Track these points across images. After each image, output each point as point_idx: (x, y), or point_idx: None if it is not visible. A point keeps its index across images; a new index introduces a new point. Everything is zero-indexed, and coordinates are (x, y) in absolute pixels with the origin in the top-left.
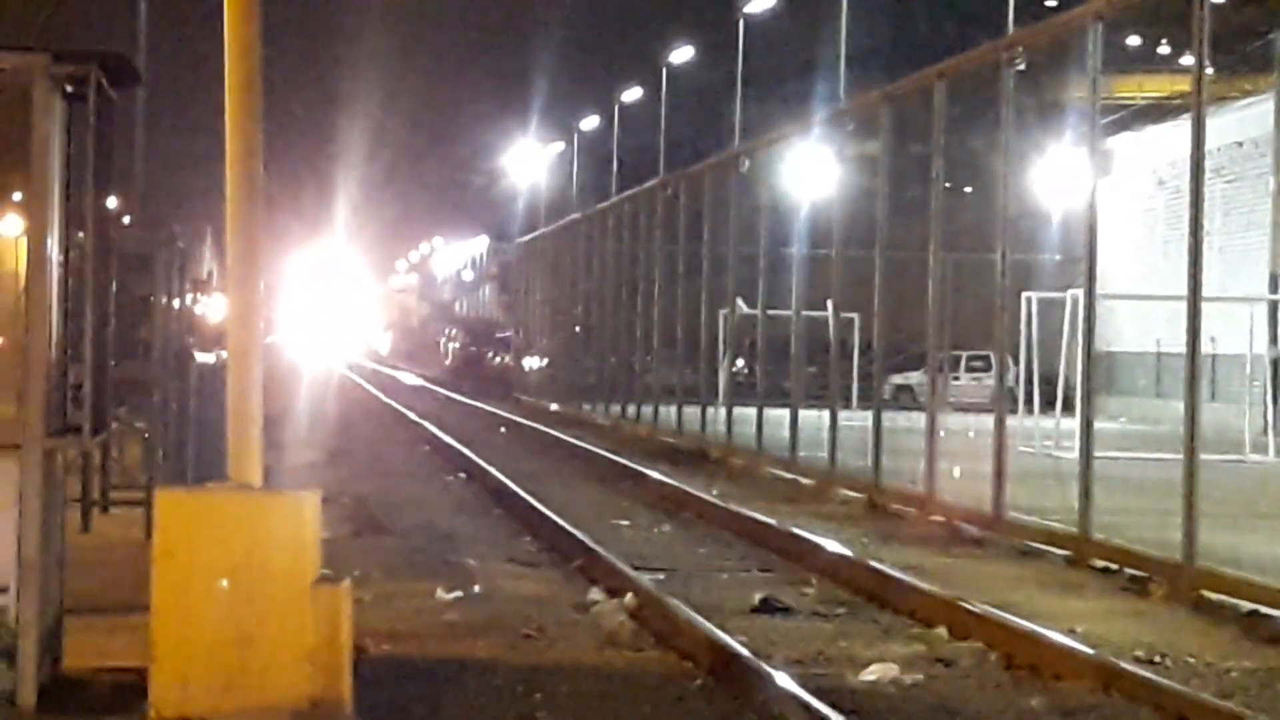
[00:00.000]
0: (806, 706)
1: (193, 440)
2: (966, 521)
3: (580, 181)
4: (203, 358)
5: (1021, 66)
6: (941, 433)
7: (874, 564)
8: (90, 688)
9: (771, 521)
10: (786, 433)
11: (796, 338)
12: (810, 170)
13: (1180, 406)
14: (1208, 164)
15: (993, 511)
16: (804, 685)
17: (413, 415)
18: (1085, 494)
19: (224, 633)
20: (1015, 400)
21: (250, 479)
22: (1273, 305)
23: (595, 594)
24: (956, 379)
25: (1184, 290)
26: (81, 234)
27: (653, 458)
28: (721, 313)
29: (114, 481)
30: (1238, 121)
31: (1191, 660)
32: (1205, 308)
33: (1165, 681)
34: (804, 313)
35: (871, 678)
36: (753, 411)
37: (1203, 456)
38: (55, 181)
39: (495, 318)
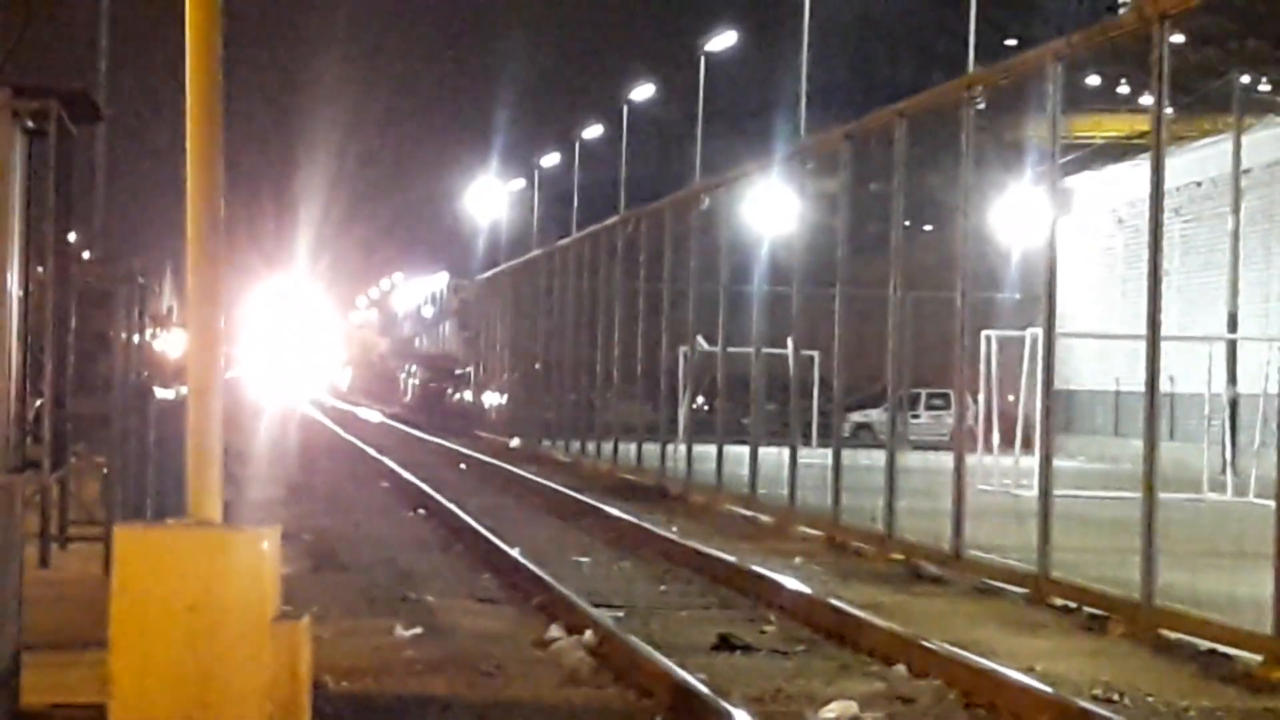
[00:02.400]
0: None
1: (152, 476)
2: (926, 559)
3: (541, 218)
4: (162, 393)
5: (981, 105)
6: (910, 470)
7: (834, 601)
8: None
9: (731, 559)
10: (746, 470)
11: (756, 375)
12: (771, 208)
13: (1139, 445)
14: (1167, 204)
15: (952, 549)
16: None
17: (372, 451)
18: (1044, 532)
19: (183, 669)
20: (975, 438)
21: (210, 515)
22: (1231, 345)
23: (555, 631)
24: (916, 417)
25: (1143, 329)
26: (41, 269)
27: (612, 494)
28: (681, 350)
29: (72, 517)
30: (1197, 161)
31: (1150, 699)
32: (1164, 347)
33: None
34: (764, 350)
35: (831, 715)
36: (712, 449)
37: (1161, 495)
38: (15, 216)
39: (455, 354)
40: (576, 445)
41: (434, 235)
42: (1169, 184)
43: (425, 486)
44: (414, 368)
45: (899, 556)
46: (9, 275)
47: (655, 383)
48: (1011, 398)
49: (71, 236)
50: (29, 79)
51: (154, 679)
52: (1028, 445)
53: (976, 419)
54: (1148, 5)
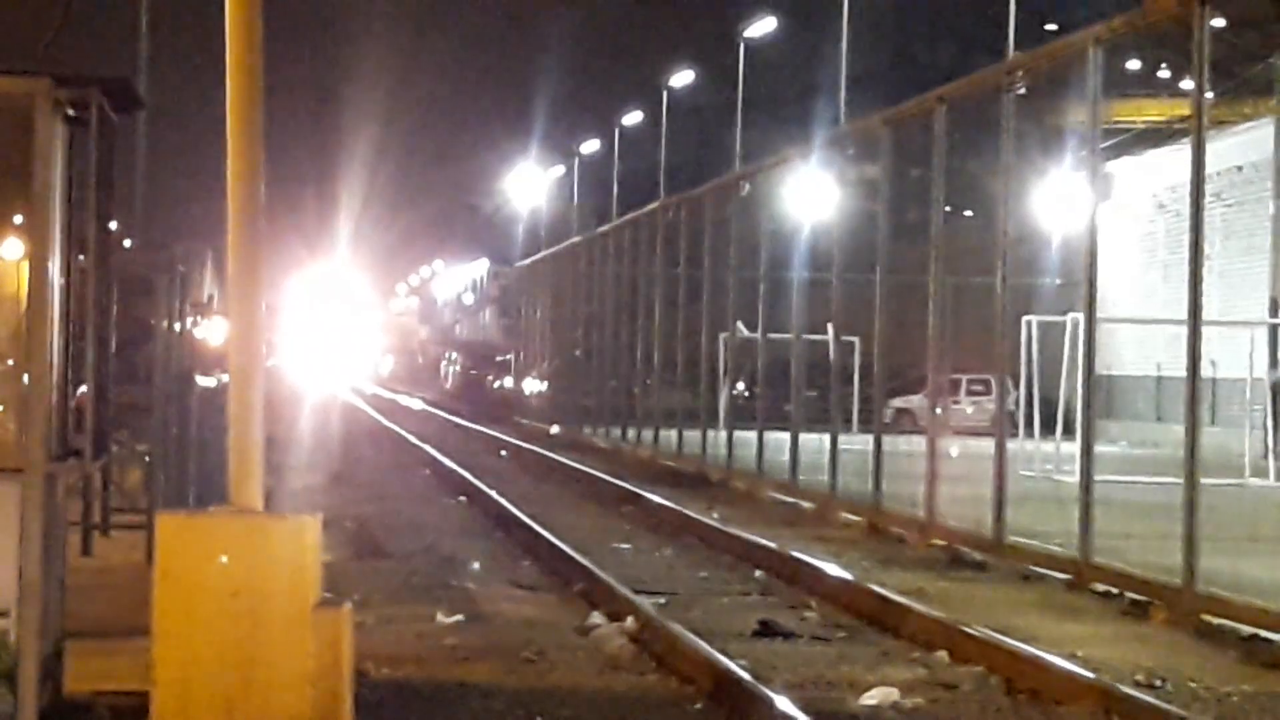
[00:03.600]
0: None
1: (194, 463)
2: (967, 545)
3: (581, 205)
4: (203, 381)
5: (1022, 90)
6: (948, 455)
7: (875, 587)
8: (91, 711)
9: (772, 545)
10: (787, 456)
11: (797, 361)
12: (810, 194)
13: (1180, 430)
14: (1208, 188)
15: (993, 535)
16: (804, 709)
17: (413, 438)
18: (1086, 518)
19: (225, 656)
20: (1016, 424)
21: (251, 502)
22: (1273, 329)
23: (596, 618)
24: (957, 403)
25: (1184, 314)
26: (83, 257)
27: (653, 481)
28: (722, 336)
29: (115, 505)
30: (1238, 146)
31: (1192, 684)
32: (1205, 331)
33: (1166, 706)
34: (804, 336)
35: (872, 701)
36: (753, 435)
37: (1203, 480)
38: (57, 205)
39: (495, 341)
40: (617, 432)
41: (474, 222)
42: (1210, 169)
43: (466, 473)
44: (454, 355)
45: (940, 542)
46: (51, 264)
47: (696, 369)
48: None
49: (113, 225)
50: (70, 68)
51: (197, 666)
52: (1069, 430)
53: (1017, 404)
54: None
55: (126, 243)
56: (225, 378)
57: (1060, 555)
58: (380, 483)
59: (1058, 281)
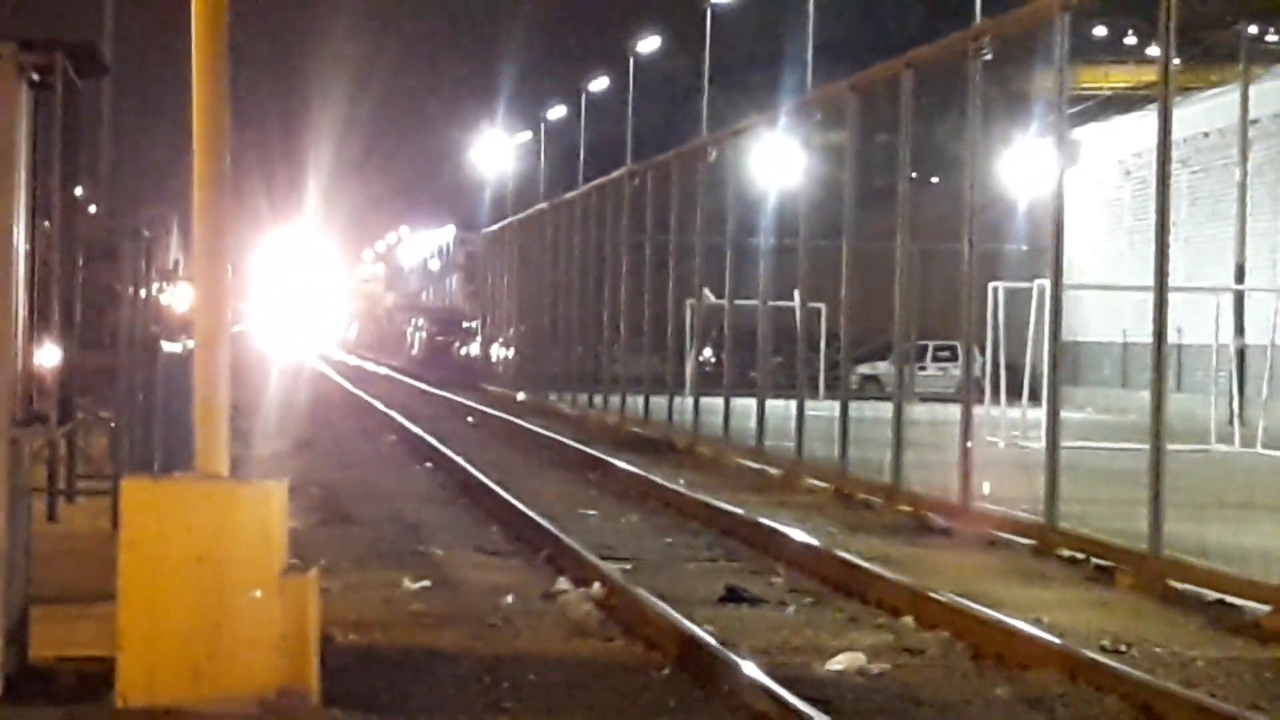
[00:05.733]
0: (773, 695)
1: (159, 430)
2: (933, 511)
3: (547, 171)
4: (169, 347)
5: (988, 56)
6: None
7: (841, 554)
8: (57, 677)
9: (739, 511)
10: (753, 423)
11: (763, 327)
12: (777, 160)
13: (1146, 396)
14: (1174, 155)
15: (959, 501)
16: (771, 674)
17: (379, 405)
18: (1052, 484)
19: (191, 621)
20: (982, 390)
21: (217, 468)
22: (1238, 296)
23: (562, 583)
24: (923, 369)
25: (1150, 280)
26: (48, 223)
27: (620, 447)
28: (688, 303)
29: (80, 471)
30: (1204, 112)
31: (1157, 650)
32: (1171, 298)
33: (1131, 671)
34: (771, 303)
35: (839, 667)
36: (719, 401)
37: (1169, 446)
38: (21, 170)
39: (462, 308)
40: (583, 398)
41: (440, 188)
42: (1176, 135)
43: (432, 440)
44: (420, 321)
45: (906, 508)
46: (16, 229)
47: (662, 336)
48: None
49: (78, 190)
50: (34, 32)
51: (162, 632)
52: (1035, 397)
53: (984, 371)
54: None
55: (92, 208)
56: (191, 344)
57: (1026, 521)
58: (347, 449)
59: (1024, 248)
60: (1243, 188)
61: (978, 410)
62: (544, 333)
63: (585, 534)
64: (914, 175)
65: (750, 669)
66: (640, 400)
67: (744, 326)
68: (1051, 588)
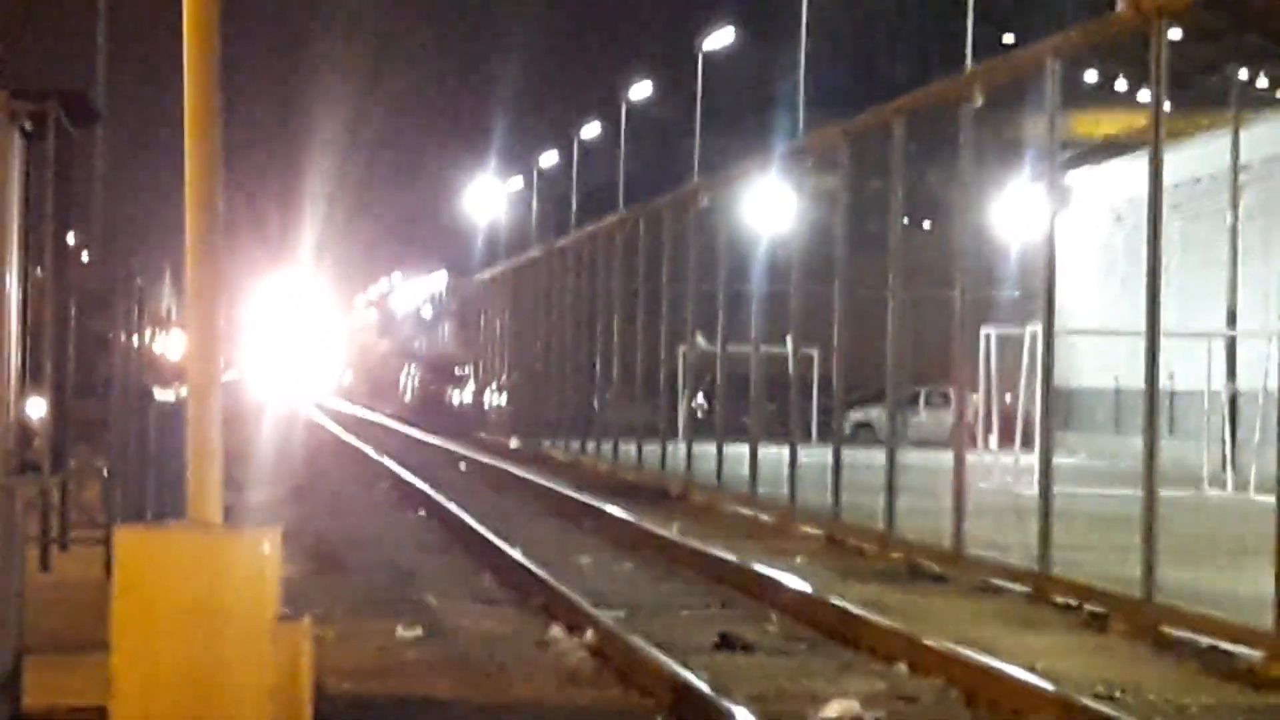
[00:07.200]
0: None
1: (152, 478)
2: (926, 557)
3: (539, 217)
4: (162, 395)
5: (980, 103)
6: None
7: (834, 600)
8: None
9: (732, 558)
10: (746, 469)
11: (756, 373)
12: (769, 206)
13: (1139, 442)
14: (1165, 200)
15: (952, 548)
16: None
17: (372, 452)
18: (1045, 530)
19: (184, 670)
20: (974, 436)
21: (210, 516)
22: (1230, 341)
23: (556, 631)
24: (916, 415)
25: (1142, 326)
26: (40, 271)
27: (613, 494)
28: (681, 349)
29: (73, 519)
30: (1196, 158)
31: (1151, 697)
32: (1164, 343)
33: (1125, 717)
34: (763, 348)
35: (833, 714)
36: (712, 448)
37: (1162, 492)
38: (14, 218)
39: (455, 354)
40: (577, 445)
41: (433, 234)
42: (1167, 180)
43: (425, 487)
44: (413, 368)
45: (899, 555)
46: (8, 277)
47: (655, 382)
48: (1010, 396)
49: (70, 238)
50: (27, 80)
51: (155, 681)
52: (1028, 442)
53: (976, 416)
54: (1145, 1)
55: (85, 256)
56: (184, 391)
57: (1019, 568)
58: (340, 497)
59: (1016, 293)
60: (1234, 232)
61: (970, 456)
62: (537, 379)
63: (579, 581)
64: (906, 220)
65: (744, 716)
66: (633, 447)
67: (737, 372)
68: (1045, 634)
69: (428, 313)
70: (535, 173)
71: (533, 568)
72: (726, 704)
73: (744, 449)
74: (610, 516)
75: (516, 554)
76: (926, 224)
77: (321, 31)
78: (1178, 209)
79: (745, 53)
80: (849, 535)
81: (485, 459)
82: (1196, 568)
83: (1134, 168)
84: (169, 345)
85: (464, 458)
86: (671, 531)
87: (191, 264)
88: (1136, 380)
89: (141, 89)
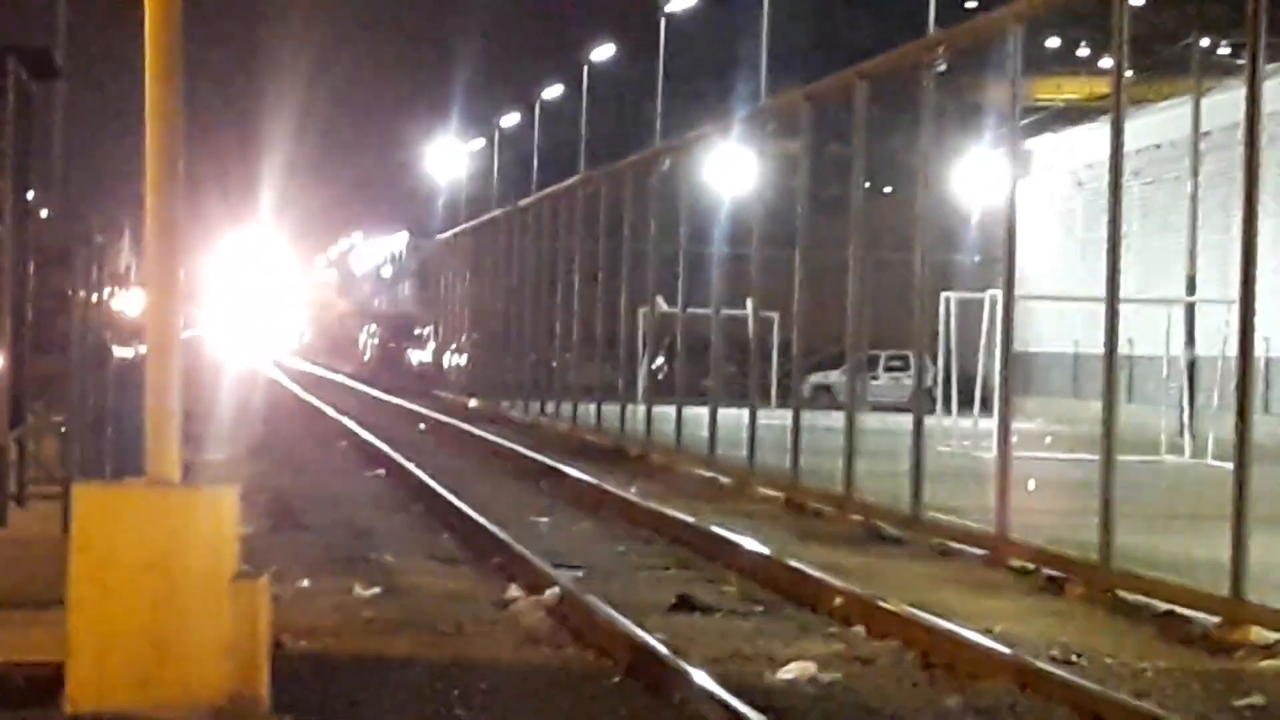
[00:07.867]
0: (724, 704)
1: (110, 435)
2: (885, 521)
3: (501, 178)
4: (121, 352)
5: (942, 67)
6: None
7: (792, 562)
8: (7, 682)
9: (690, 519)
10: (706, 431)
11: (716, 336)
12: (731, 169)
13: (1098, 407)
14: (1126, 166)
15: (911, 511)
16: (722, 683)
17: (331, 411)
18: (1003, 494)
19: (141, 627)
20: (934, 400)
21: (168, 474)
22: (1189, 307)
23: (514, 591)
24: (875, 379)
25: (1102, 291)
26: None
27: (572, 455)
28: (641, 311)
29: (31, 475)
30: (1156, 124)
31: (1108, 660)
32: (1123, 309)
33: (1081, 681)
34: (724, 311)
35: (790, 676)
36: (672, 410)
37: (1120, 457)
38: None
39: (415, 314)
40: (536, 406)
41: (394, 194)
42: (1128, 147)
43: (384, 446)
44: (373, 328)
45: (858, 518)
46: None
47: (615, 344)
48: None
49: (30, 194)
50: None
51: (112, 637)
52: (986, 407)
53: (935, 381)
54: None
55: (44, 213)
56: (143, 349)
57: (977, 531)
58: (298, 455)
59: (976, 258)
60: (1194, 200)
61: (929, 420)
62: (496, 340)
63: (537, 541)
64: (867, 185)
65: (701, 677)
66: (593, 408)
67: (697, 335)
68: (1002, 598)
69: (388, 273)
70: (497, 133)
71: (491, 527)
72: (684, 665)
73: (704, 411)
74: (569, 477)
75: (474, 514)
76: (888, 189)
77: None
78: (1138, 174)
79: (708, 15)
80: (808, 498)
81: (444, 419)
82: (1154, 533)
83: (1095, 134)
84: (128, 302)
85: (423, 417)
86: (630, 492)
87: (151, 221)
88: (1095, 345)
89: (102, 45)
